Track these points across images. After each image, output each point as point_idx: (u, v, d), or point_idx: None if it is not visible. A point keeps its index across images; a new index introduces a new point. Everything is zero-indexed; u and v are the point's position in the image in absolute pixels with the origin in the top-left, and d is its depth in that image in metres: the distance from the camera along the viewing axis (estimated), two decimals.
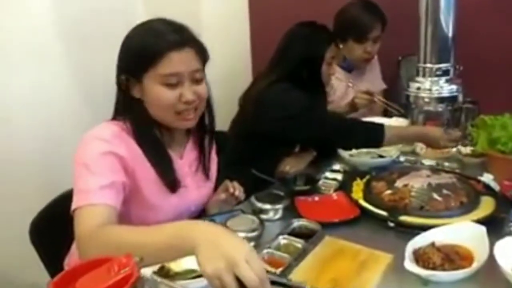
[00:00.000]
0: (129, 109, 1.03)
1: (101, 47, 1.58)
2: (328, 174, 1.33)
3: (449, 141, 1.27)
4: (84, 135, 0.99)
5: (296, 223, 1.05)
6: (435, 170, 1.25)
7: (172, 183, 1.05)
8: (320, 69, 1.48)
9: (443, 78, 1.07)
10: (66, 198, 0.97)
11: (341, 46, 1.80)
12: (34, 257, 1.11)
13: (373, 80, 1.95)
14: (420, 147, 1.42)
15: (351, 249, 0.94)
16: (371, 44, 1.79)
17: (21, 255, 1.21)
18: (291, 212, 1.12)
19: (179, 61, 0.98)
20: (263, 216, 1.10)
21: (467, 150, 1.37)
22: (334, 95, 1.83)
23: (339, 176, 1.32)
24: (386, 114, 1.81)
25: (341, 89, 1.85)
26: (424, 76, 1.08)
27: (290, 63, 1.47)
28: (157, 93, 0.99)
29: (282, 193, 1.17)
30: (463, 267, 0.84)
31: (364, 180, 1.23)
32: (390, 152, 1.38)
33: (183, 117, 1.02)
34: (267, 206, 1.11)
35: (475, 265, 0.83)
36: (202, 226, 0.75)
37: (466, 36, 1.76)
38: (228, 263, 0.64)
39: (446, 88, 1.07)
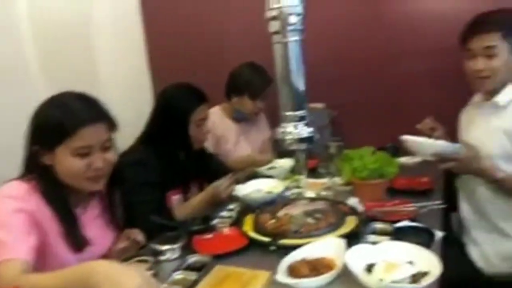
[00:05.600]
0: (38, 173, 1.13)
1: None
2: (224, 213, 1.49)
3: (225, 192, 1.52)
4: None
5: (191, 259, 1.17)
6: (312, 199, 1.47)
7: (77, 243, 1.15)
8: (185, 130, 1.56)
9: (302, 123, 1.32)
10: None
11: (235, 99, 2.05)
12: None
13: (261, 129, 2.21)
14: (303, 181, 1.65)
15: (236, 273, 1.07)
16: (260, 101, 2.06)
17: None
18: (189, 250, 1.23)
19: (91, 135, 1.11)
20: (162, 257, 1.20)
21: (340, 180, 1.62)
22: (226, 145, 2.05)
23: (233, 214, 1.48)
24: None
25: (233, 139, 2.08)
26: (286, 122, 1.32)
27: (157, 123, 1.59)
28: (68, 163, 1.11)
29: (179, 235, 1.28)
30: None
31: (254, 214, 1.40)
32: (277, 188, 1.59)
33: (93, 181, 1.15)
34: (165, 247, 1.21)
35: (333, 272, 1.01)
36: (102, 264, 0.86)
37: (333, 87, 2.15)
38: None
39: (305, 130, 1.31)
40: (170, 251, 1.22)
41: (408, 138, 1.43)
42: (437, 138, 1.55)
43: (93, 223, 1.24)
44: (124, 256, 1.22)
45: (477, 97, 1.64)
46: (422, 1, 2.06)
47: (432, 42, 2.02)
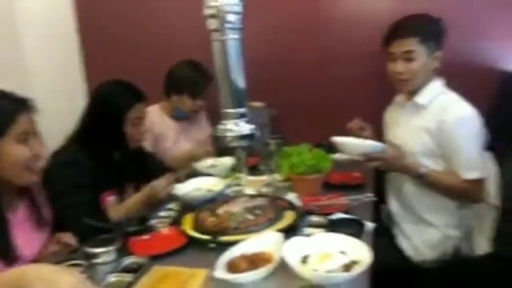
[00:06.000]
0: None
1: None
2: (162, 213, 1.46)
3: (163, 192, 1.45)
4: None
5: (126, 261, 1.14)
6: (252, 196, 1.49)
7: (6, 253, 1.09)
8: (121, 129, 1.51)
9: (242, 120, 1.33)
10: None
11: (175, 97, 2.01)
12: None
13: (202, 127, 2.19)
14: (243, 179, 1.66)
15: (175, 272, 1.06)
16: (201, 99, 2.04)
17: None
18: (125, 252, 1.19)
19: (26, 121, 1.14)
20: (97, 260, 1.15)
21: (279, 177, 1.65)
22: (165, 143, 2.01)
23: (173, 213, 1.46)
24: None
25: (172, 138, 2.04)
26: (227, 119, 1.32)
27: (90, 121, 1.52)
28: (15, 151, 1.11)
29: (114, 237, 1.23)
30: None
31: (194, 213, 1.39)
32: (217, 186, 1.58)
33: (33, 172, 1.15)
34: (99, 250, 1.16)
35: (270, 265, 1.03)
36: (34, 267, 0.82)
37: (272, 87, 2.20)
38: None
39: (245, 127, 1.33)
40: (104, 253, 1.16)
41: (337, 139, 1.49)
42: (366, 137, 1.64)
43: (21, 227, 1.18)
44: (55, 260, 1.15)
45: (399, 97, 1.76)
46: (353, 12, 2.17)
47: (360, 48, 2.15)
